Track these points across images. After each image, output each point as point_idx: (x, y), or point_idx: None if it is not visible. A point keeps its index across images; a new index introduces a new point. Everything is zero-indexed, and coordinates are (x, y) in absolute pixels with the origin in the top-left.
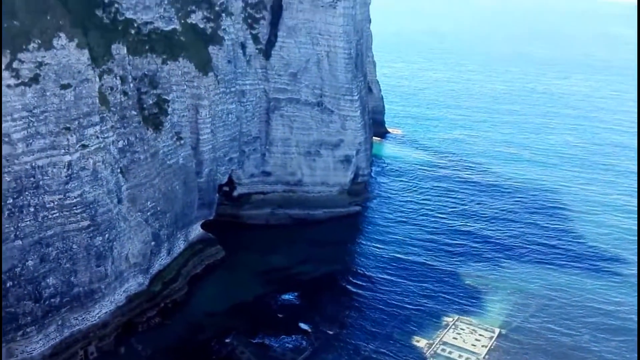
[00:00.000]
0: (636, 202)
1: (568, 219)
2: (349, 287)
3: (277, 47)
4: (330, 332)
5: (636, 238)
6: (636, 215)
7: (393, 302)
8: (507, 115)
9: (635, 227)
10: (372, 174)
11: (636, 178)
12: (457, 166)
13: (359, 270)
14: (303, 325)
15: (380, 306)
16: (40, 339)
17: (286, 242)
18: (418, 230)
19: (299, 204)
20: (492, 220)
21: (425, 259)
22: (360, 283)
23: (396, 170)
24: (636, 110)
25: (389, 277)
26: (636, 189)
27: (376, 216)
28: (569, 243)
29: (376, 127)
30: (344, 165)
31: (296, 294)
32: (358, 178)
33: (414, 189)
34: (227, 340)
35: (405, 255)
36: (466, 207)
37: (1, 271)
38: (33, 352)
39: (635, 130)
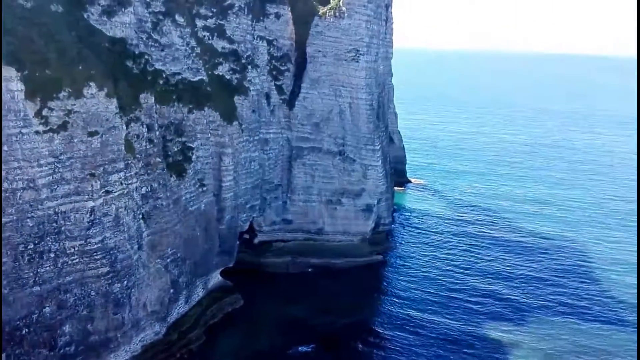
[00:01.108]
0: None
1: (595, 279)
2: (366, 343)
3: (301, 98)
4: None
5: None
6: None
7: None
8: (531, 169)
9: None
10: (394, 224)
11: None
12: (480, 220)
13: (377, 326)
14: None
15: None
16: None
17: (306, 291)
18: (439, 286)
19: (320, 253)
20: (516, 279)
21: (444, 318)
22: (378, 340)
23: (418, 220)
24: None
25: (408, 336)
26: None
27: (397, 268)
28: (597, 304)
29: (398, 176)
30: (365, 214)
31: (314, 345)
32: (379, 227)
33: (436, 241)
34: None
35: (425, 313)
36: (489, 264)
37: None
38: None
39: None
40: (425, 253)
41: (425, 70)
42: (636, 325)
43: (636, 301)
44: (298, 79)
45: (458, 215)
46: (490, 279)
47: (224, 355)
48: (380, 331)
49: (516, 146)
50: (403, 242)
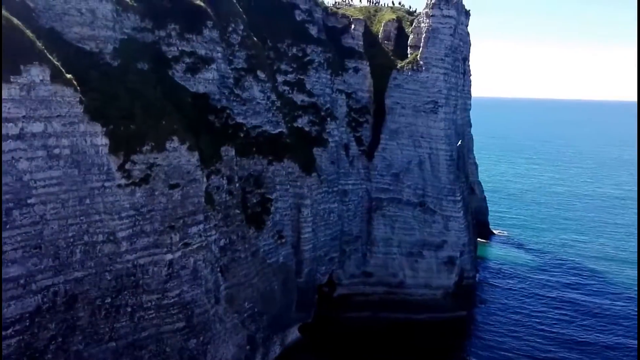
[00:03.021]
0: None
1: None
2: None
3: (380, 149)
4: None
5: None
6: None
7: None
8: (619, 220)
9: None
10: (478, 277)
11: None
12: (568, 272)
13: None
14: None
15: None
16: None
17: (387, 348)
18: (527, 344)
19: (401, 307)
20: (613, 349)
21: None
22: None
23: (503, 273)
24: None
25: None
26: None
27: (483, 323)
28: None
29: (480, 228)
30: (447, 267)
31: None
32: (463, 281)
33: (523, 295)
34: None
35: None
36: (579, 320)
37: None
38: None
39: None
40: (512, 311)
41: (499, 120)
42: None
43: None
44: (377, 130)
45: (544, 267)
46: (581, 334)
47: None
48: None
49: (604, 199)
50: (488, 298)
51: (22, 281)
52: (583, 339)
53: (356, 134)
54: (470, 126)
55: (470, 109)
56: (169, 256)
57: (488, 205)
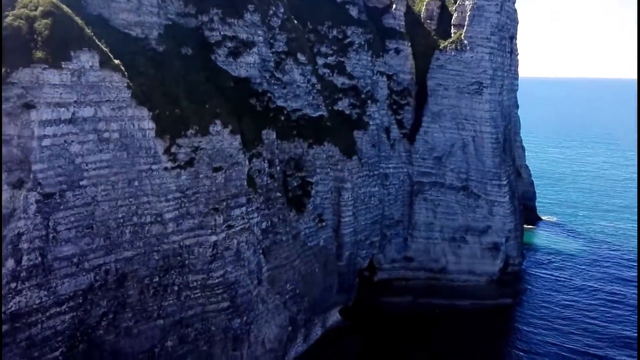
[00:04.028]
0: None
1: None
2: None
3: (422, 132)
4: None
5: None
6: None
7: None
8: None
9: None
10: (524, 265)
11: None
12: (621, 265)
13: None
14: None
15: None
16: None
17: (429, 334)
18: (572, 339)
19: (443, 293)
20: None
21: None
22: None
23: (551, 262)
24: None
25: None
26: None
27: (527, 313)
28: None
29: (527, 213)
30: (492, 253)
31: None
32: (508, 268)
33: (571, 287)
34: None
35: None
36: (630, 317)
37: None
38: None
39: None
40: (559, 303)
41: (551, 101)
42: None
43: None
44: (418, 112)
45: (596, 256)
46: (633, 348)
47: None
48: None
49: None
50: (535, 286)
51: (75, 260)
52: (634, 339)
53: (397, 116)
54: (517, 107)
55: (517, 90)
56: (213, 238)
57: (536, 189)
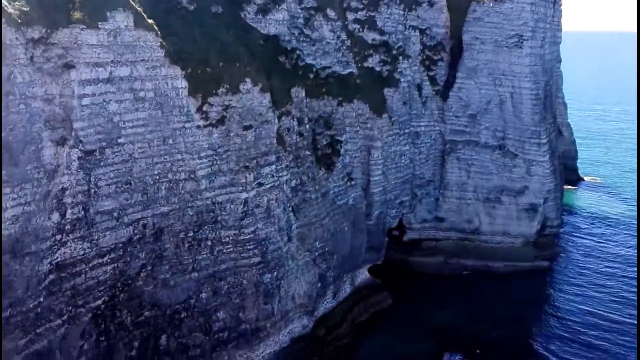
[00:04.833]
0: None
1: None
2: (530, 353)
3: (456, 89)
4: None
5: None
6: None
7: None
8: None
9: None
10: (563, 227)
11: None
12: None
13: (539, 343)
14: None
15: None
16: None
17: (459, 295)
18: (615, 305)
19: (476, 255)
20: None
21: (620, 347)
22: (545, 353)
23: (592, 225)
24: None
25: (578, 352)
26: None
27: (565, 277)
28: None
29: (567, 173)
30: (529, 214)
31: (471, 355)
32: (546, 230)
33: (612, 253)
34: None
35: (597, 331)
36: None
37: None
38: None
39: None
40: (598, 269)
41: (595, 56)
42: None
43: None
44: (453, 68)
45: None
46: None
47: (371, 355)
48: (543, 351)
49: None
50: (573, 249)
51: (115, 214)
52: None
53: (430, 73)
54: (560, 62)
55: (560, 43)
56: (244, 195)
57: (578, 149)
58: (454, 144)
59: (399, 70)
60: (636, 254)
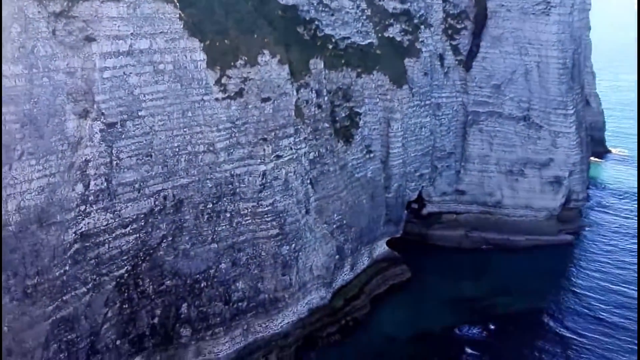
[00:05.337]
0: None
1: None
2: (543, 334)
3: (479, 58)
4: None
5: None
6: None
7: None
8: None
9: None
10: (589, 200)
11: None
12: None
13: (559, 317)
14: None
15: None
16: (226, 342)
17: (480, 268)
18: (633, 289)
19: (497, 228)
20: None
21: None
22: (558, 334)
23: (618, 198)
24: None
25: (598, 337)
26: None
27: (589, 253)
28: None
29: (595, 145)
30: (553, 187)
31: (488, 328)
32: (570, 203)
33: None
34: None
35: (619, 310)
36: None
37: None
38: (220, 354)
39: None
40: (623, 246)
41: (622, 22)
42: None
43: None
44: (477, 37)
45: None
46: None
47: (389, 327)
48: (562, 324)
49: None
50: (599, 223)
51: (137, 185)
52: None
53: (452, 42)
54: (589, 29)
55: (589, 9)
56: (262, 167)
57: (606, 120)
58: (476, 116)
59: (420, 39)
60: None
